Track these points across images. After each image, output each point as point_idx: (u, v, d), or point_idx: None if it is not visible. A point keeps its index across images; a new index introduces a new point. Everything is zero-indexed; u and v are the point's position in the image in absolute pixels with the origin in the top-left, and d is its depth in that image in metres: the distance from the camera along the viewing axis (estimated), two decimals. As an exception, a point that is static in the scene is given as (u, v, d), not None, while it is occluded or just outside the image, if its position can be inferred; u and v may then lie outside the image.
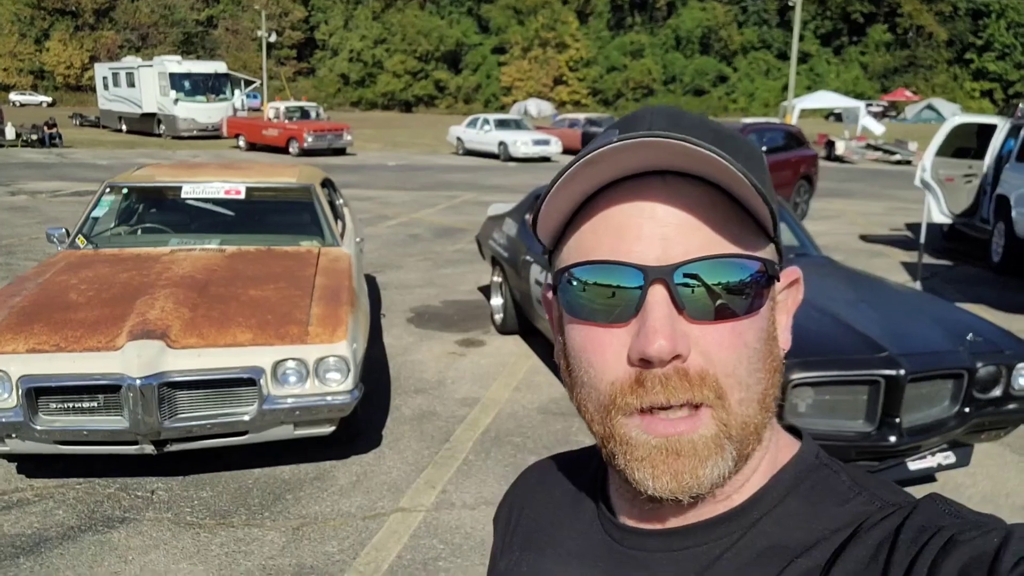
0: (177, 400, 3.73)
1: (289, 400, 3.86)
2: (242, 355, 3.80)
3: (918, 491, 3.55)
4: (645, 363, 0.58)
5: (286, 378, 3.85)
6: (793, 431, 0.72)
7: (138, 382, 3.58)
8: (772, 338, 0.65)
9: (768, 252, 0.64)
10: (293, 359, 3.84)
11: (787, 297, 0.70)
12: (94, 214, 5.28)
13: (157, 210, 5.73)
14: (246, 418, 3.77)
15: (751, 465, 0.65)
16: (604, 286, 0.61)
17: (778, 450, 0.68)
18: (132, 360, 3.61)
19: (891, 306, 4.33)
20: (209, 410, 3.80)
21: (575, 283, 0.63)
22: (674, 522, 0.67)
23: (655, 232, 0.60)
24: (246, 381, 3.78)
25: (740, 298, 0.61)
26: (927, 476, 4.14)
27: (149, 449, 3.79)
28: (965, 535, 0.52)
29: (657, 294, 0.59)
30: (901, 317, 4.12)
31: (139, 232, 5.47)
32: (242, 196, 5.43)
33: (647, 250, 0.59)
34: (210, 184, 5.42)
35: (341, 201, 6.65)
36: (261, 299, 4.24)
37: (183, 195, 5.38)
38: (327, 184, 6.46)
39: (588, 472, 0.80)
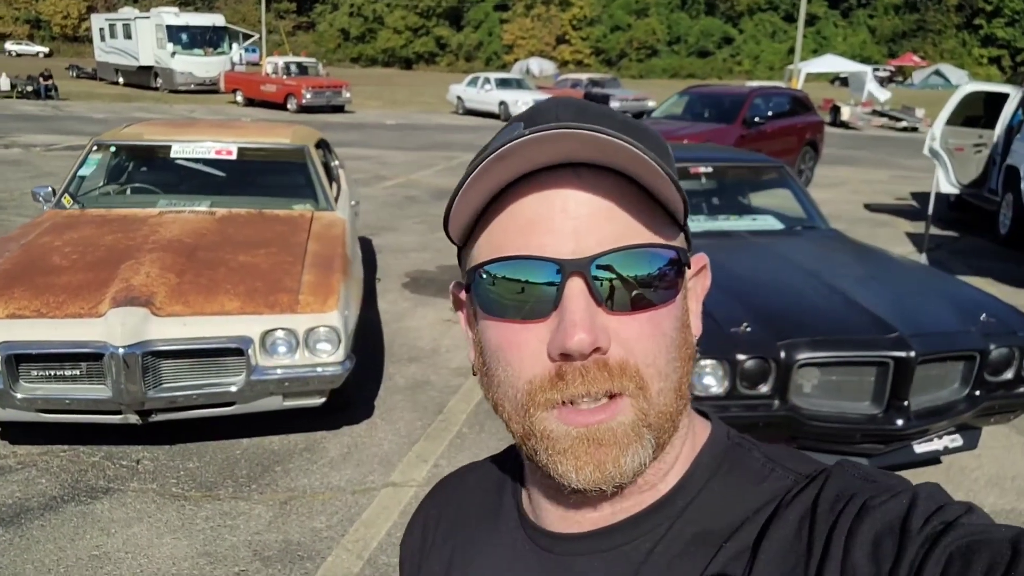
0: (162, 369, 3.61)
1: (278, 371, 3.74)
2: (229, 324, 3.68)
3: (924, 473, 3.45)
4: (565, 357, 0.58)
5: (275, 348, 3.73)
6: (701, 413, 0.72)
7: (121, 351, 3.46)
8: (686, 326, 0.65)
9: (679, 241, 0.64)
10: (282, 329, 3.72)
11: (696, 284, 0.70)
12: (81, 172, 5.11)
13: (146, 169, 5.55)
14: (233, 389, 3.66)
15: (672, 453, 0.65)
16: (513, 280, 0.60)
17: (695, 435, 0.68)
18: (115, 328, 3.48)
19: (902, 283, 4.20)
20: (195, 380, 3.68)
21: (484, 278, 0.62)
22: (601, 520, 0.66)
23: (567, 225, 0.59)
24: (233, 351, 3.66)
25: (655, 289, 0.60)
26: (933, 459, 4.05)
27: (133, 419, 3.68)
28: (876, 500, 0.55)
29: (575, 287, 0.58)
30: (912, 295, 3.99)
31: (127, 192, 5.30)
32: (233, 156, 5.25)
33: (560, 243, 0.59)
34: (201, 143, 5.24)
35: (336, 163, 6.46)
36: (251, 265, 4.10)
37: (172, 155, 5.20)
38: (322, 145, 6.27)
39: (505, 481, 0.78)
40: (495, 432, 4.43)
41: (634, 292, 0.59)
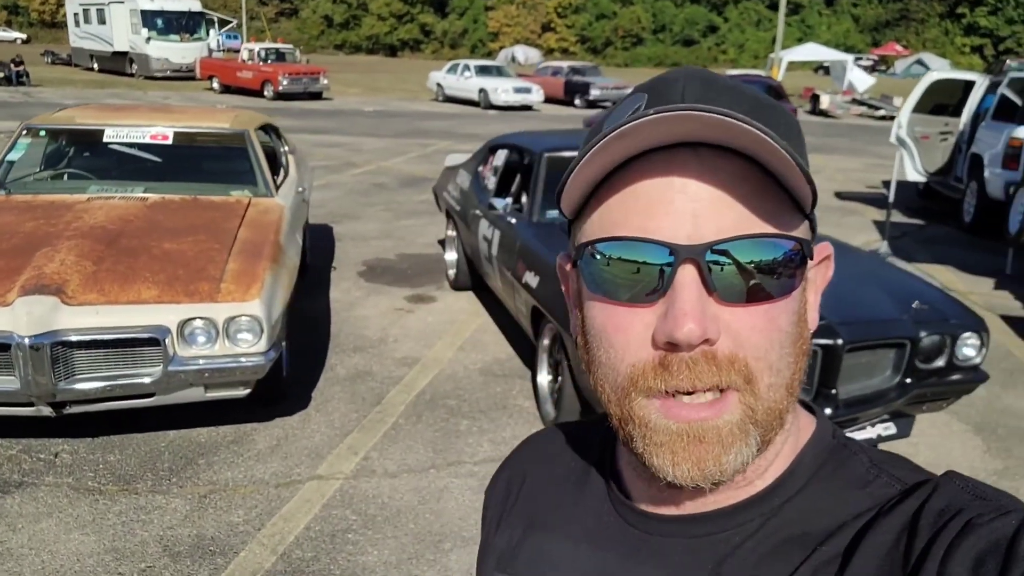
0: (74, 360, 3.50)
1: (200, 361, 3.64)
2: (145, 313, 3.56)
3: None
4: (671, 346, 0.56)
5: (194, 338, 3.62)
6: (806, 406, 0.69)
7: (27, 341, 3.34)
8: (802, 320, 0.62)
9: (802, 230, 0.61)
10: (201, 318, 3.61)
11: (817, 275, 0.67)
12: (9, 157, 4.97)
13: (80, 155, 5.41)
14: (147, 380, 3.55)
15: (774, 448, 0.63)
16: (629, 261, 0.58)
17: (799, 431, 0.66)
18: (21, 317, 3.37)
19: (840, 271, 4.09)
20: (110, 371, 3.57)
21: (598, 257, 0.60)
22: (693, 508, 0.65)
23: (686, 208, 0.57)
24: (149, 341, 3.55)
25: (773, 279, 0.58)
26: (868, 447, 4.00)
27: (47, 411, 3.57)
28: (983, 518, 0.52)
29: (687, 274, 0.56)
30: (848, 284, 3.92)
31: (57, 178, 5.17)
32: (169, 141, 5.12)
33: (677, 227, 0.56)
34: (135, 128, 5.11)
35: (285, 148, 6.34)
36: (175, 253, 3.99)
37: (105, 139, 5.06)
38: (269, 130, 6.15)
39: (594, 449, 0.77)
40: (432, 424, 4.34)
41: (750, 282, 0.57)
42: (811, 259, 0.62)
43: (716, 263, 0.56)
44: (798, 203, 0.60)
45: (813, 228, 0.63)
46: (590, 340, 0.63)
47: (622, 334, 0.59)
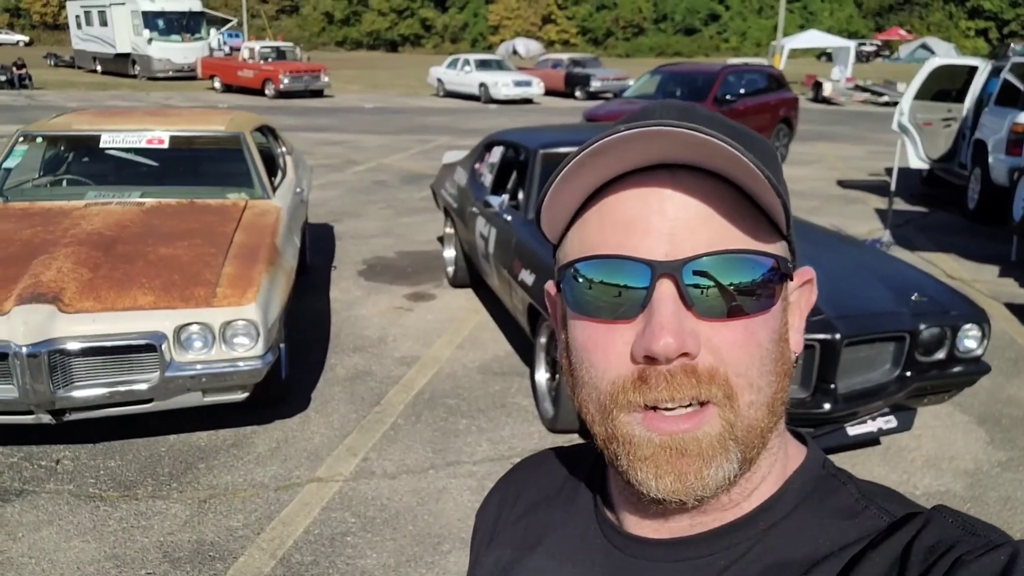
0: (72, 368, 3.50)
1: (197, 366, 3.63)
2: (142, 319, 3.56)
3: (862, 455, 3.36)
4: (650, 360, 0.56)
5: (191, 343, 3.62)
6: (797, 436, 0.69)
7: (24, 350, 3.34)
8: (784, 339, 0.62)
9: (780, 249, 0.62)
10: (197, 323, 3.60)
11: (800, 297, 0.67)
12: (6, 165, 4.97)
13: (78, 161, 5.42)
14: (145, 387, 3.55)
15: (760, 472, 0.63)
16: (611, 285, 0.59)
17: (787, 458, 0.66)
18: (18, 326, 3.37)
19: (837, 264, 4.10)
20: (107, 378, 3.57)
21: (580, 280, 0.61)
22: (679, 531, 0.64)
23: (663, 227, 0.58)
24: (145, 347, 3.55)
25: (752, 297, 0.58)
26: (870, 441, 3.98)
27: (47, 419, 3.58)
28: (972, 554, 0.52)
29: (665, 290, 0.56)
30: (845, 276, 3.90)
31: (54, 184, 5.17)
32: (165, 145, 5.11)
33: (655, 245, 0.57)
34: (131, 133, 5.10)
35: (283, 149, 6.33)
36: (171, 258, 3.99)
37: (101, 144, 5.06)
38: (266, 132, 6.14)
39: (584, 471, 0.77)
40: (431, 423, 4.34)
41: (729, 299, 0.58)
42: (791, 278, 0.62)
43: (697, 286, 0.56)
44: (775, 223, 0.61)
45: (792, 249, 0.64)
46: (573, 361, 0.63)
47: (602, 352, 0.59)
